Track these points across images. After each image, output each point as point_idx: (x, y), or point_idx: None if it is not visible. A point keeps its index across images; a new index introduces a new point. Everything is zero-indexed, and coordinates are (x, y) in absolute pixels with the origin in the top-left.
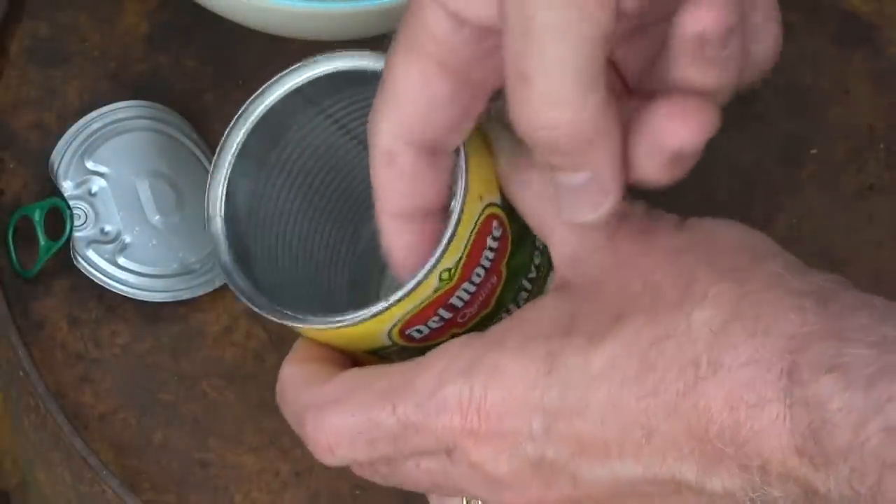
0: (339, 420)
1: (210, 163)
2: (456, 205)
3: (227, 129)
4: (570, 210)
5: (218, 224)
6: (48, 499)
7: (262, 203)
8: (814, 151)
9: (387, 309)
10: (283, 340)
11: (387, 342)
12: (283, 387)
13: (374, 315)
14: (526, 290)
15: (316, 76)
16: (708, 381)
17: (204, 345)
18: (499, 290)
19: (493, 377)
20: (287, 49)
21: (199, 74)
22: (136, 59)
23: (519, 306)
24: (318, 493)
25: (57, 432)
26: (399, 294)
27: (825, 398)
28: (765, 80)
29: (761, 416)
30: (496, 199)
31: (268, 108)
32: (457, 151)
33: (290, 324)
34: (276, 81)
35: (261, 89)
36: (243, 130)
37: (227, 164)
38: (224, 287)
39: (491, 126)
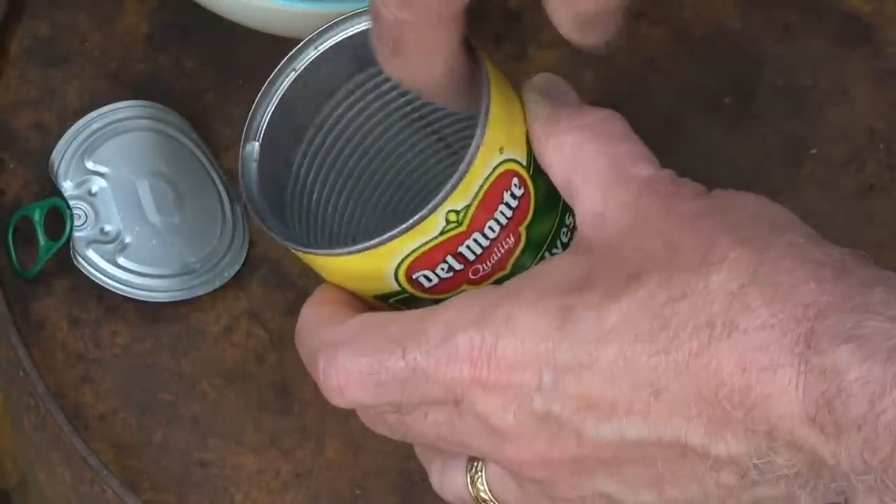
0: (350, 361)
1: (210, 163)
2: (470, 147)
3: (275, 71)
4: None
5: (254, 147)
6: (48, 499)
7: (302, 141)
8: (814, 151)
9: (390, 239)
10: (284, 340)
11: (395, 286)
12: (300, 327)
13: (378, 244)
14: None
15: (363, 28)
16: (722, 343)
17: (204, 345)
18: (517, 253)
19: (505, 328)
20: (287, 49)
21: (199, 74)
22: (136, 59)
23: None
24: (319, 494)
25: (57, 432)
26: (402, 226)
27: (842, 367)
28: (764, 79)
29: (773, 380)
30: (520, 157)
31: (319, 53)
32: (480, 101)
33: (295, 248)
34: (323, 31)
35: (306, 38)
36: (292, 74)
37: (274, 95)
38: (224, 287)
39: (526, 92)
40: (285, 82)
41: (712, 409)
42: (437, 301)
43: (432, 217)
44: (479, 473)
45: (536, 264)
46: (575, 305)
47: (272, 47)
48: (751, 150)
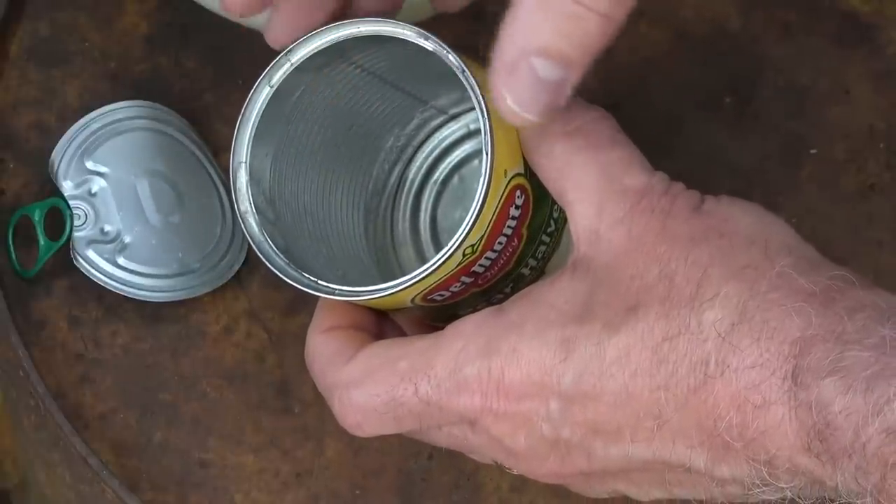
0: (365, 400)
1: (210, 163)
2: (480, 189)
3: (251, 91)
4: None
5: (243, 174)
6: (48, 499)
7: (284, 152)
8: (814, 151)
9: (412, 285)
10: (284, 340)
11: (409, 305)
12: (310, 359)
13: (399, 290)
14: (544, 243)
15: (343, 38)
16: (716, 381)
17: (204, 345)
18: (519, 250)
19: (510, 360)
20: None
21: (199, 74)
22: (136, 59)
23: (537, 259)
24: (318, 494)
25: (57, 432)
26: (420, 272)
27: (827, 401)
28: (765, 79)
29: (767, 416)
30: (519, 168)
31: (293, 66)
32: (483, 135)
33: (316, 293)
34: (301, 42)
35: (286, 50)
36: (266, 91)
37: (253, 117)
38: (224, 287)
39: None
40: (262, 100)
41: (713, 440)
42: (444, 306)
43: (452, 258)
44: None
45: (534, 252)
46: (576, 337)
47: (272, 47)
48: (751, 150)
